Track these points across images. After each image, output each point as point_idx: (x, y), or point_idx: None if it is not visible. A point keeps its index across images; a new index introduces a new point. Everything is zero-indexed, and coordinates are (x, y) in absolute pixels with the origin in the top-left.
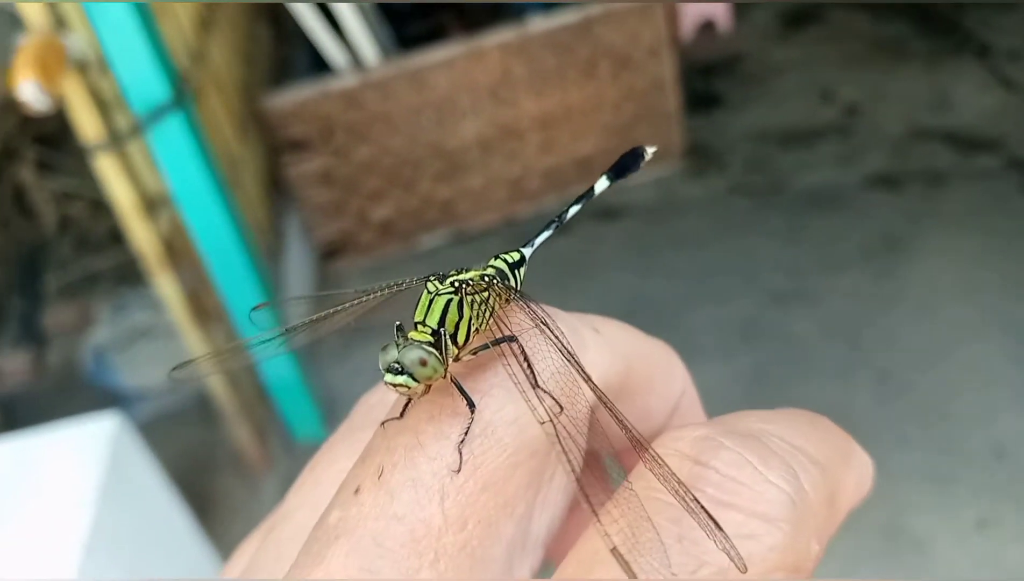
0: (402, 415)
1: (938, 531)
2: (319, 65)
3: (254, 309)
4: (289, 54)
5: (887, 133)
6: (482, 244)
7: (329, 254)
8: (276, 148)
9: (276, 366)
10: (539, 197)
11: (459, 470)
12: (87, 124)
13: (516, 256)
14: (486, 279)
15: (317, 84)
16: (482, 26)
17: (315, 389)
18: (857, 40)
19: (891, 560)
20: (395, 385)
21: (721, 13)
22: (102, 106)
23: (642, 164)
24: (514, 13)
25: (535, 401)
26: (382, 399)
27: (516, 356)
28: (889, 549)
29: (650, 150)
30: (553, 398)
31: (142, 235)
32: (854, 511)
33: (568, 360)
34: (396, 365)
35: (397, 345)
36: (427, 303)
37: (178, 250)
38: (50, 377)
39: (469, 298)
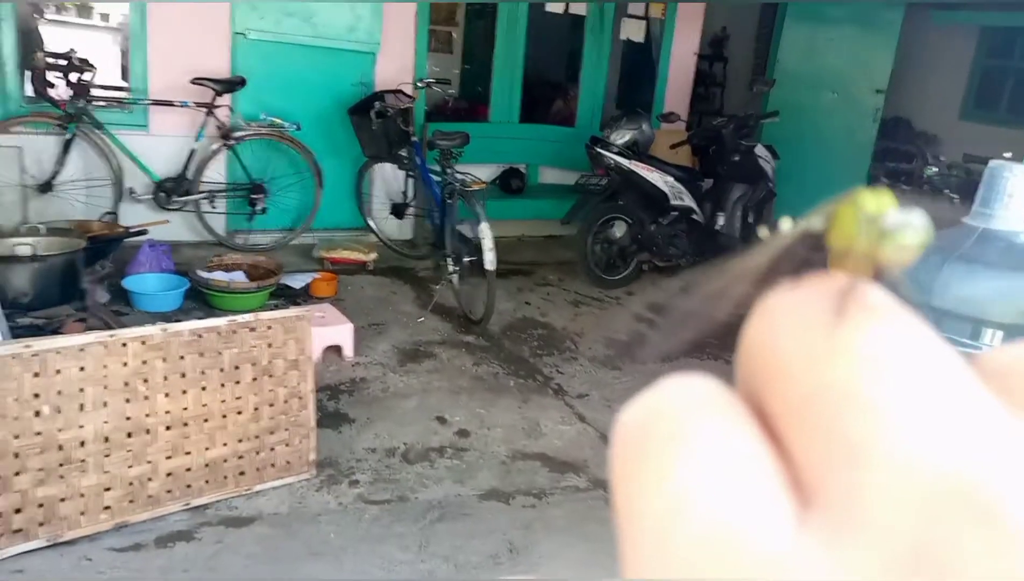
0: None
1: None
2: None
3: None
4: None
5: (494, 453)
6: (84, 549)
7: None
8: None
9: None
10: (159, 502)
11: None
12: None
13: None
14: None
15: None
16: (100, 326)
17: None
18: (462, 375)
19: None
20: (907, 246)
21: (347, 340)
22: None
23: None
24: (147, 314)
25: None
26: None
27: None
28: None
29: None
30: None
31: None
32: None
33: None
34: (913, 223)
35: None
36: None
37: None
38: None
39: None
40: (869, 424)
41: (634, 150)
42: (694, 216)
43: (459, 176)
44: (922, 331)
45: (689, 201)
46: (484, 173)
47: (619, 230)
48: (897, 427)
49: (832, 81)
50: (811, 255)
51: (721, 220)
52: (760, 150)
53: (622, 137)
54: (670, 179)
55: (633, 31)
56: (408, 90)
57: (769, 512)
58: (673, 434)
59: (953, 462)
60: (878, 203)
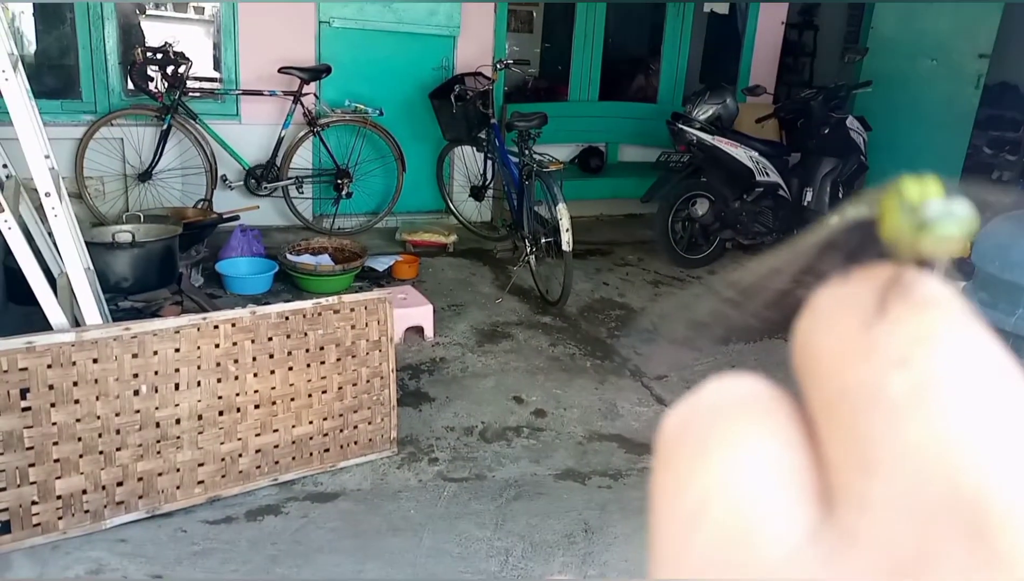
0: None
1: None
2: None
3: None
4: None
5: (570, 434)
6: (180, 521)
7: None
8: None
9: None
10: (249, 477)
11: None
12: None
13: None
14: None
15: (20, 337)
16: (195, 309)
17: None
18: (539, 356)
19: None
20: (948, 237)
21: (427, 321)
22: None
23: None
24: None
25: None
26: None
27: None
28: None
29: None
30: None
31: None
32: None
33: None
34: (956, 213)
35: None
36: (919, 180)
37: None
38: None
39: None
40: (885, 429)
41: (717, 125)
42: (780, 192)
43: (536, 157)
44: (968, 330)
45: (775, 177)
46: (563, 153)
47: (701, 208)
48: (912, 435)
49: (931, 47)
50: (865, 245)
51: (809, 196)
52: (851, 122)
53: (705, 112)
54: (755, 154)
55: (717, 3)
56: (487, 72)
57: (784, 519)
58: (704, 439)
59: (960, 477)
60: (921, 191)
